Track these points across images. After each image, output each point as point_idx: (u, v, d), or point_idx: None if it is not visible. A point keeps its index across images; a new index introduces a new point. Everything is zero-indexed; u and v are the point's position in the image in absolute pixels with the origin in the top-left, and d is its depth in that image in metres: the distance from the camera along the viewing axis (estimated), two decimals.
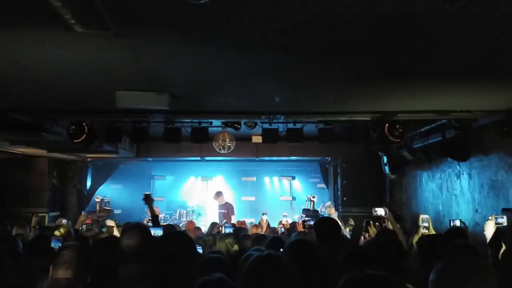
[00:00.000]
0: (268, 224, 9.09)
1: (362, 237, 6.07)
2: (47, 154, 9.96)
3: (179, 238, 2.82)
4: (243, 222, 9.71)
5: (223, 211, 11.42)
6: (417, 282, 2.87)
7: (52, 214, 10.61)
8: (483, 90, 5.37)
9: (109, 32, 3.30)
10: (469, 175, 7.43)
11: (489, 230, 5.28)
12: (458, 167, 7.80)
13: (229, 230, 7.06)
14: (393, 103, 6.21)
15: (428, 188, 9.07)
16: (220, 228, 7.56)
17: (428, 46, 3.79)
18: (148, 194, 5.77)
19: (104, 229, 7.08)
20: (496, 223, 5.39)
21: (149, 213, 6.48)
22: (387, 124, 6.85)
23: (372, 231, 5.96)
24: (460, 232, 5.07)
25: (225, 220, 9.49)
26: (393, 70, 4.57)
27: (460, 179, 7.74)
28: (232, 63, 4.33)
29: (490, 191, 6.82)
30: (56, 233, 6.47)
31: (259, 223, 8.80)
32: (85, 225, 7.37)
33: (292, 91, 5.57)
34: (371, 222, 6.16)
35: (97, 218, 9.16)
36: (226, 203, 11.73)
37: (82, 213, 8.28)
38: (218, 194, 11.90)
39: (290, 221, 9.55)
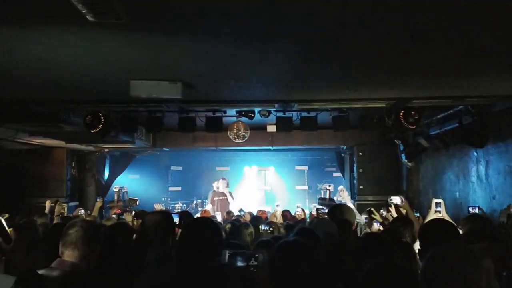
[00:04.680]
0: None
1: (376, 224, 6.08)
2: (65, 145, 10.13)
3: (208, 222, 2.84)
4: (263, 212, 9.72)
5: (223, 198, 11.03)
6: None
7: (71, 204, 10.80)
8: (500, 75, 5.27)
9: (122, 22, 3.32)
10: (486, 161, 7.33)
11: (505, 218, 5.26)
12: (475, 153, 7.70)
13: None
14: (407, 89, 6.14)
15: (445, 176, 8.97)
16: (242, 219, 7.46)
17: (442, 32, 3.74)
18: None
19: (123, 217, 7.11)
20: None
21: None
22: (402, 111, 6.80)
23: (378, 217, 6.00)
24: (479, 219, 4.55)
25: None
26: (406, 56, 4.52)
27: (477, 166, 7.64)
28: (244, 52, 4.33)
29: (507, 178, 6.73)
30: None
31: (273, 214, 8.79)
32: (115, 215, 7.41)
33: (305, 78, 5.55)
34: (372, 209, 6.25)
35: (125, 209, 9.16)
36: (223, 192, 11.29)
37: (97, 199, 8.33)
38: (224, 179, 11.52)
39: (307, 211, 9.52)
